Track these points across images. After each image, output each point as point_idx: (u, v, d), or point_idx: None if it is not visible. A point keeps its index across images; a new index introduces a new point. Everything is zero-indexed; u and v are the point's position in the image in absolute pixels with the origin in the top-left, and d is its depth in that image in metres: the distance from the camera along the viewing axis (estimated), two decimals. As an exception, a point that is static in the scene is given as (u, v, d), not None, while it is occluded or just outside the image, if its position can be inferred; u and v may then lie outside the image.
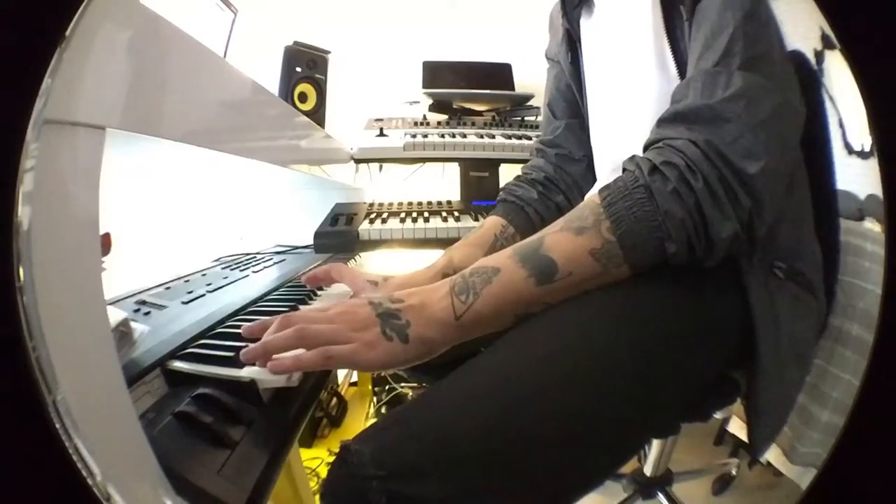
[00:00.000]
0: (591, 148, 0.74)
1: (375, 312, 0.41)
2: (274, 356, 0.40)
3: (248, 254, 1.06)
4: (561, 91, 0.79)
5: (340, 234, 1.03)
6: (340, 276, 0.60)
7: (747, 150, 0.40)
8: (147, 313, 0.56)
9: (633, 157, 0.44)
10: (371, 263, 1.15)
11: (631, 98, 0.59)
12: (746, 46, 0.43)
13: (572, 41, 0.71)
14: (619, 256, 0.41)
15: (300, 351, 0.39)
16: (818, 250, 0.55)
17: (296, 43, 1.25)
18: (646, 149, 0.45)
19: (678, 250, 0.40)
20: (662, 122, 0.45)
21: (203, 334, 0.50)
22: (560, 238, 0.42)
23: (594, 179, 0.74)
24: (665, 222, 0.39)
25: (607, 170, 0.66)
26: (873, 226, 0.59)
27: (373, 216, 1.11)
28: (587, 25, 0.68)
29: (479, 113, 1.45)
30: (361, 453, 0.33)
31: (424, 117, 1.41)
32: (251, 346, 0.40)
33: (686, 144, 0.41)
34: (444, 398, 0.38)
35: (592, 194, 0.45)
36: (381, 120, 1.38)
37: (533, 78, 1.48)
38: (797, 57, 0.57)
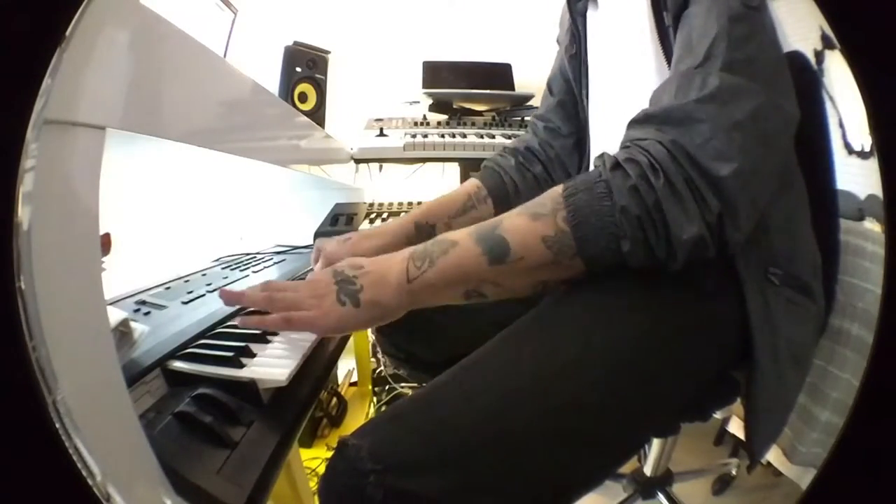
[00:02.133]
0: (580, 126, 0.76)
1: (334, 280, 0.45)
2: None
3: (248, 254, 1.06)
4: (562, 72, 0.80)
5: (340, 235, 1.02)
6: (318, 252, 0.64)
7: (718, 152, 0.38)
8: (147, 313, 0.56)
9: (601, 155, 0.44)
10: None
11: (628, 96, 0.59)
12: (730, 49, 0.42)
13: (574, 35, 0.72)
14: (570, 247, 0.40)
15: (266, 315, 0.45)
16: (816, 253, 0.54)
17: (296, 43, 1.25)
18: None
19: (633, 249, 0.39)
20: (634, 123, 0.44)
21: (203, 334, 0.50)
22: (517, 221, 0.42)
23: (580, 157, 0.76)
24: (621, 219, 0.38)
25: None
26: (873, 226, 0.59)
27: (373, 216, 1.11)
28: (592, 19, 0.68)
29: (479, 113, 1.45)
30: (359, 448, 0.33)
31: (424, 117, 1.41)
32: (230, 289, 0.48)
33: (652, 144, 0.40)
34: (443, 394, 0.38)
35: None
36: (381, 120, 1.38)
37: (533, 78, 1.49)
38: (797, 57, 0.57)
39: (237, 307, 0.60)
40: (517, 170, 0.76)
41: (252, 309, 0.50)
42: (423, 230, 0.63)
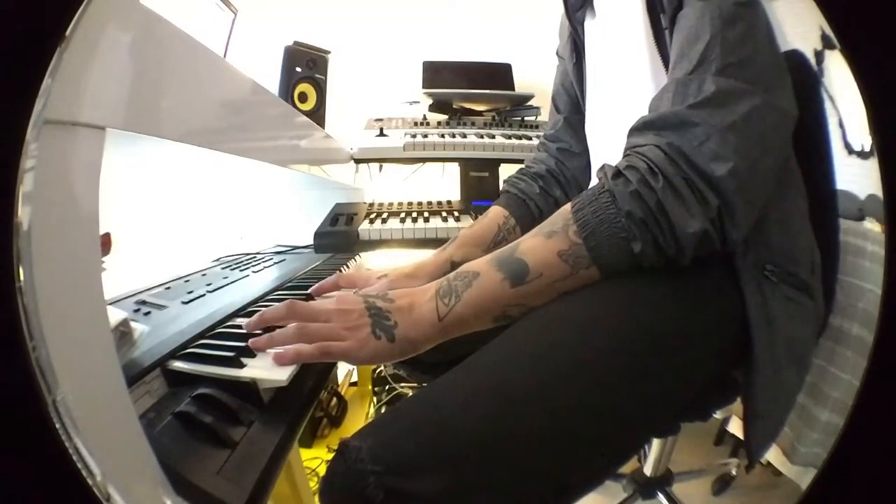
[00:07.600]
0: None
1: (368, 312, 0.44)
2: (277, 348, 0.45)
3: (248, 254, 1.06)
4: (565, 87, 0.80)
5: (340, 234, 1.03)
6: (350, 282, 0.62)
7: (714, 153, 0.40)
8: (147, 313, 0.56)
9: (602, 167, 0.45)
10: (371, 263, 1.15)
11: (626, 102, 0.59)
12: (724, 53, 0.43)
13: (576, 44, 0.72)
14: (585, 258, 0.42)
15: (301, 345, 0.44)
16: (815, 251, 0.54)
17: (296, 43, 1.25)
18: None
19: (644, 250, 0.41)
20: (633, 131, 0.46)
21: (203, 334, 0.50)
22: (532, 243, 0.44)
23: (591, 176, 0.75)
24: (628, 223, 0.40)
25: None
26: (873, 226, 0.59)
27: (373, 216, 1.11)
28: (591, 28, 0.68)
29: (479, 113, 1.45)
30: (360, 449, 0.33)
31: (424, 117, 1.41)
32: (258, 337, 0.45)
33: (651, 149, 0.42)
34: (443, 394, 0.38)
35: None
36: (381, 120, 1.38)
37: (533, 78, 1.49)
38: (797, 57, 0.57)
39: (238, 308, 0.60)
40: (541, 196, 0.77)
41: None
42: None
